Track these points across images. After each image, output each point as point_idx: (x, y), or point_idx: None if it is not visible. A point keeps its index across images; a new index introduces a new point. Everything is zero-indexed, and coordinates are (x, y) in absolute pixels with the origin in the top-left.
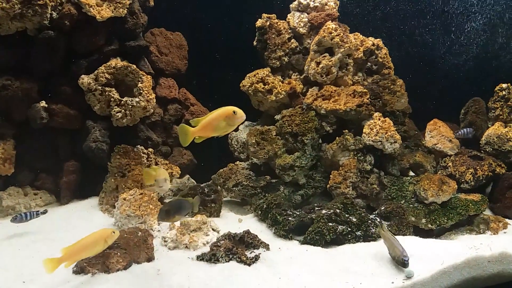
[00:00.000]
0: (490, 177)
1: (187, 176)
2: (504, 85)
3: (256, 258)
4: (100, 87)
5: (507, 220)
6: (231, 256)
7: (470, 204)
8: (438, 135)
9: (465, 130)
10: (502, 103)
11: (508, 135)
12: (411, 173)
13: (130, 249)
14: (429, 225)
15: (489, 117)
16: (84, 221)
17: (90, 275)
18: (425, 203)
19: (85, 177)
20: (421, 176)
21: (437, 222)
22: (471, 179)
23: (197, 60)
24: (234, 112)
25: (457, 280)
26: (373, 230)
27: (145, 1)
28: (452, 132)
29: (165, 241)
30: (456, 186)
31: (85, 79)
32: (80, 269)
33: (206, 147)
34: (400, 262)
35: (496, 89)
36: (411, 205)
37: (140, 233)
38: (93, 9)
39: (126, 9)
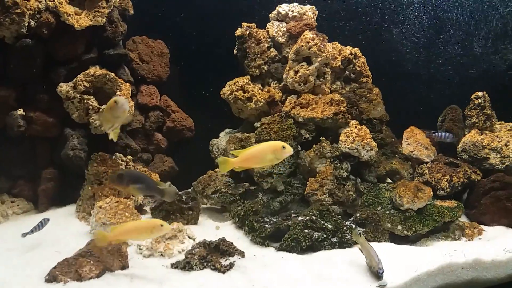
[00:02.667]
0: (465, 184)
1: (169, 183)
2: (479, 93)
3: (231, 265)
4: (78, 95)
5: (482, 226)
6: (205, 264)
7: (446, 211)
8: (415, 142)
9: (443, 133)
10: (478, 111)
11: (483, 143)
12: (389, 180)
13: (104, 257)
14: (405, 232)
15: (466, 124)
16: (60, 229)
17: (62, 284)
18: (401, 209)
19: (63, 184)
20: (397, 183)
21: (413, 228)
22: (447, 186)
23: (179, 68)
24: (283, 147)
25: (431, 287)
26: (349, 236)
27: (124, 10)
28: (429, 140)
29: (140, 249)
30: (431, 193)
31: (64, 87)
32: (52, 278)
33: (189, 154)
34: (375, 273)
35: (472, 97)
36: (388, 212)
37: None
38: (71, 17)
39: (105, 17)
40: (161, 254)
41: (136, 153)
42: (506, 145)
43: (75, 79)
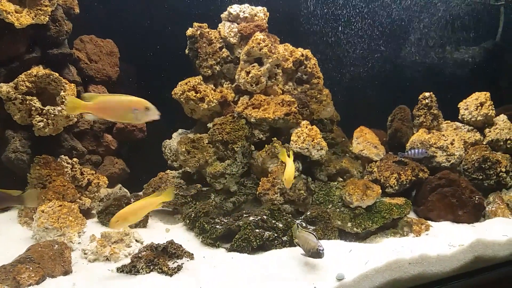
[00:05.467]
0: (413, 181)
1: (119, 185)
2: (427, 94)
3: (179, 268)
4: (20, 96)
5: (429, 222)
6: (152, 267)
7: (394, 208)
8: (364, 141)
9: (414, 150)
10: (426, 110)
11: (430, 141)
12: (340, 179)
13: (44, 262)
14: (355, 229)
15: (414, 124)
16: (0, 235)
17: None
18: (351, 207)
19: (5, 188)
20: (347, 181)
21: (362, 225)
22: (395, 184)
23: (130, 67)
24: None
25: (379, 283)
26: None
27: (69, 9)
28: (378, 139)
29: (85, 254)
30: (380, 190)
31: (4, 88)
32: None
33: (141, 156)
34: (315, 252)
35: (419, 97)
36: (338, 210)
37: (56, 246)
38: (11, 15)
39: (47, 16)
40: (107, 258)
41: (83, 155)
42: (452, 144)
43: (17, 79)
